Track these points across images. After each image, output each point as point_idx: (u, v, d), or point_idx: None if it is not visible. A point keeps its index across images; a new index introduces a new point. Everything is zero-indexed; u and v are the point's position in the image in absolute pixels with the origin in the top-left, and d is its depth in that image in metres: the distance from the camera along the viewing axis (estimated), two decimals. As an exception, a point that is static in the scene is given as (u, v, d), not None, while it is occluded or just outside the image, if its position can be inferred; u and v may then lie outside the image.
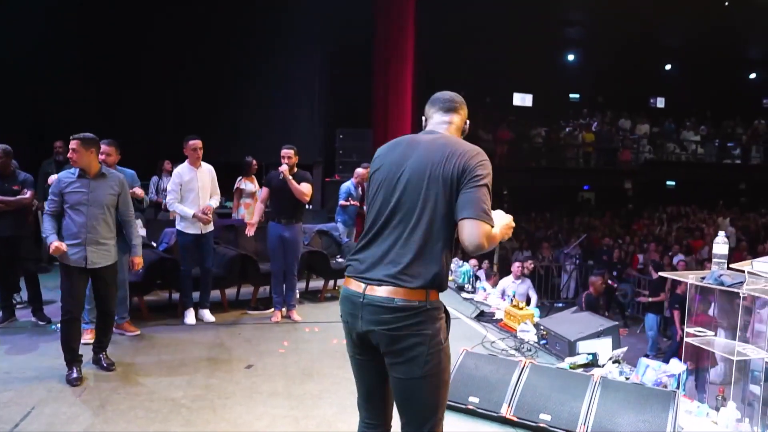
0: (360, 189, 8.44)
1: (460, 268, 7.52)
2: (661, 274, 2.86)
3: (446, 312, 2.14)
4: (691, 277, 2.57)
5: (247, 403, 3.76)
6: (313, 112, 10.85)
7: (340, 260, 6.95)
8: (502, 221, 2.14)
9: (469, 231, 1.95)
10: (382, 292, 2.03)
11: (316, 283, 7.02)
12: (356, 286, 2.10)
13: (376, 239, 2.12)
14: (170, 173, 7.29)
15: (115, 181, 4.17)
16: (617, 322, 4.55)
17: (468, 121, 2.30)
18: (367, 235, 2.16)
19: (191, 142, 5.56)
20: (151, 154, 9.34)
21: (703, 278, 2.51)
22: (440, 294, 2.10)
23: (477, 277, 7.71)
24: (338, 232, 7.45)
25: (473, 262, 8.40)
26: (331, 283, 7.00)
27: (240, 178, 7.96)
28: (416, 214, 2.05)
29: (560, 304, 11.01)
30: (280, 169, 5.64)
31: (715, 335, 2.77)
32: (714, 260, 2.60)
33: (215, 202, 5.68)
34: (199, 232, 5.55)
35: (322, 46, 10.82)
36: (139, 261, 4.42)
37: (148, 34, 9.94)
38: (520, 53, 16.91)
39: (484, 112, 18.58)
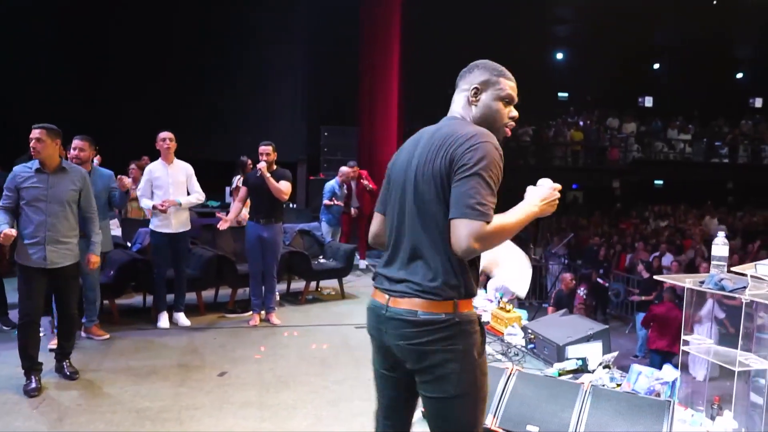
0: (345, 188, 8.23)
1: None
2: (656, 277, 2.68)
3: (481, 325, 1.91)
4: (688, 281, 2.38)
5: (217, 414, 3.53)
6: (297, 109, 10.63)
7: (322, 261, 6.74)
8: (538, 195, 1.89)
9: (454, 234, 1.73)
10: (404, 304, 1.85)
11: (298, 285, 6.79)
12: (380, 297, 1.93)
13: (396, 247, 1.95)
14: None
15: (76, 175, 3.92)
16: (607, 326, 4.37)
17: (477, 86, 1.98)
18: (388, 243, 2.00)
19: (160, 134, 5.35)
20: (133, 150, 9.09)
21: (701, 282, 2.33)
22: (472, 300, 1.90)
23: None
24: (320, 232, 7.23)
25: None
26: (313, 284, 6.79)
27: (238, 176, 7.74)
28: (425, 219, 1.85)
29: (547, 305, 10.87)
30: (258, 166, 5.42)
31: (710, 338, 2.59)
32: (713, 262, 2.41)
33: (194, 199, 5.42)
34: (173, 232, 5.32)
35: (307, 41, 10.60)
36: (95, 260, 4.16)
37: (129, 29, 9.68)
38: (509, 50, 16.75)
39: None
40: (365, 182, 8.28)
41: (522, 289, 4.02)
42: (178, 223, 5.34)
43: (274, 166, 5.49)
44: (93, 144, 4.74)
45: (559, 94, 22.18)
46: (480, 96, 2.00)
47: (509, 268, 3.93)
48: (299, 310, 6.13)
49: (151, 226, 5.40)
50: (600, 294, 10.64)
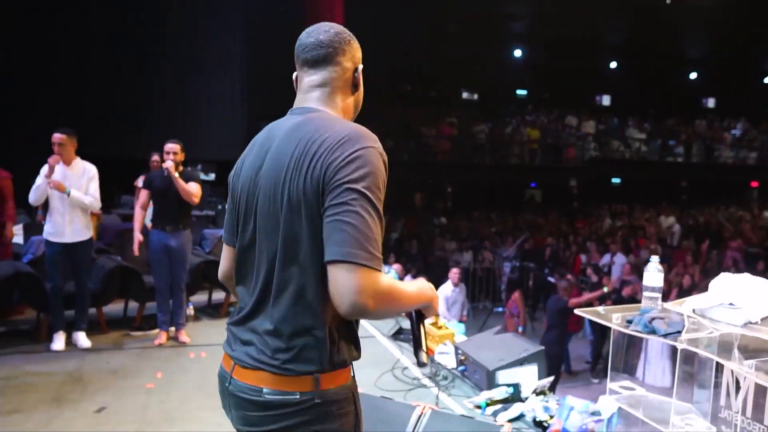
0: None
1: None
2: (577, 312, 2.22)
3: (356, 403, 1.42)
4: (615, 320, 1.94)
5: (74, 467, 2.95)
6: (236, 103, 9.93)
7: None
8: (423, 290, 1.43)
9: (338, 283, 1.22)
10: (248, 378, 1.36)
11: (222, 295, 6.17)
12: (226, 362, 1.45)
13: (243, 292, 1.46)
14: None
15: None
16: (542, 347, 3.93)
17: (360, 66, 1.49)
18: (239, 290, 1.48)
19: (52, 136, 4.66)
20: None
21: (629, 321, 1.89)
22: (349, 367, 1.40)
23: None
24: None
25: (397, 266, 7.71)
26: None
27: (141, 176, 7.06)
28: (279, 256, 1.34)
29: (500, 309, 10.52)
30: (165, 165, 4.82)
31: (643, 380, 2.16)
32: (645, 294, 1.96)
33: (87, 200, 4.74)
34: (68, 241, 4.66)
35: (244, 30, 9.89)
36: None
37: (55, 15, 8.82)
38: (466, 47, 16.44)
39: (428, 107, 18.10)
40: None
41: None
42: (73, 231, 4.69)
43: (181, 167, 4.91)
44: None
45: (518, 91, 22.00)
46: (360, 79, 1.51)
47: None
48: (216, 326, 5.53)
49: (44, 236, 4.75)
50: (547, 291, 10.32)
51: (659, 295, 1.93)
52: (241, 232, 1.45)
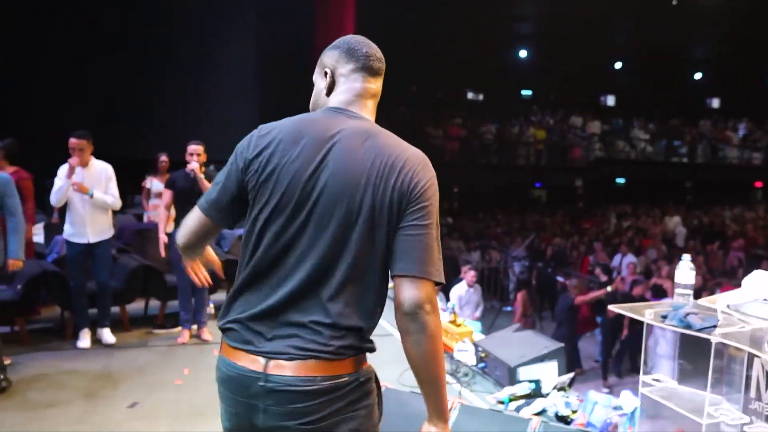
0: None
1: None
2: (611, 308, 2.30)
3: (377, 379, 1.54)
4: (648, 315, 2.03)
5: (114, 459, 3.05)
6: (247, 105, 10.03)
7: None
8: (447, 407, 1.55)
9: (416, 293, 1.38)
10: (295, 369, 1.39)
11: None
12: (250, 361, 1.43)
13: (260, 282, 1.46)
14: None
15: None
16: (562, 344, 4.03)
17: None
18: (255, 280, 1.46)
19: (69, 141, 4.74)
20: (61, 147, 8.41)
21: (664, 317, 1.98)
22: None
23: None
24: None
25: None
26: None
27: (148, 177, 7.16)
28: (350, 256, 1.41)
29: (509, 308, 10.61)
30: (190, 167, 4.91)
31: (673, 377, 2.25)
32: (677, 291, 2.05)
33: (109, 200, 4.82)
34: (87, 241, 4.75)
35: (254, 28, 9.98)
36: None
37: (55, 14, 8.90)
38: (471, 48, 16.52)
39: (434, 108, 18.18)
40: None
41: None
42: (94, 232, 4.77)
43: (203, 168, 5.01)
44: None
45: (523, 92, 22.09)
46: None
47: None
48: (236, 324, 5.63)
49: (64, 235, 4.85)
50: (550, 290, 10.40)
51: (691, 292, 2.03)
52: (283, 223, 1.43)
